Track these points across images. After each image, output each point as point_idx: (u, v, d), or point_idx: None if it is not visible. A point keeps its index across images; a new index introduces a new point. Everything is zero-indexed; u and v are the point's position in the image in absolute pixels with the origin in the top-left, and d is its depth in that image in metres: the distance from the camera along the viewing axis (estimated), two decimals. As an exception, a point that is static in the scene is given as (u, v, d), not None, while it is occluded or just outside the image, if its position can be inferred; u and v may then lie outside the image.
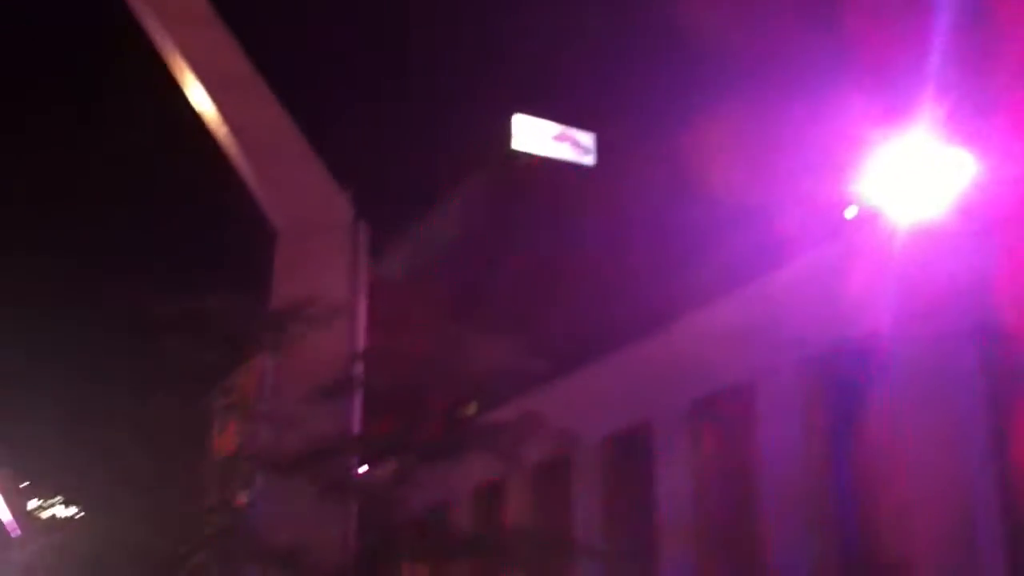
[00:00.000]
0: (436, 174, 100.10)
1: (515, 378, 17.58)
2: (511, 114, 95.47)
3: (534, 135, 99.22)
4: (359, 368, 17.83)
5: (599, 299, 56.50)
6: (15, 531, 46.30)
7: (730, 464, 23.01)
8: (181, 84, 20.06)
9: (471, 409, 28.51)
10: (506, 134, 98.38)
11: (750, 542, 21.70)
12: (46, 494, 47.90)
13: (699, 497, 22.76)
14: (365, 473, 19.10)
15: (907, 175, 18.78)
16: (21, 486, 47.82)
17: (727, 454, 23.12)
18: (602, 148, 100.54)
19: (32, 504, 47.17)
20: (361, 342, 18.97)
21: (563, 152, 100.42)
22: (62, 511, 44.06)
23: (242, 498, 20.37)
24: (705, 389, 22.76)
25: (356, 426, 18.45)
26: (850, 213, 22.00)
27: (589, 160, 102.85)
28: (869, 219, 20.13)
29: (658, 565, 23.50)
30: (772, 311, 21.23)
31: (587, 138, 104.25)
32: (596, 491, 25.65)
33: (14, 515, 46.49)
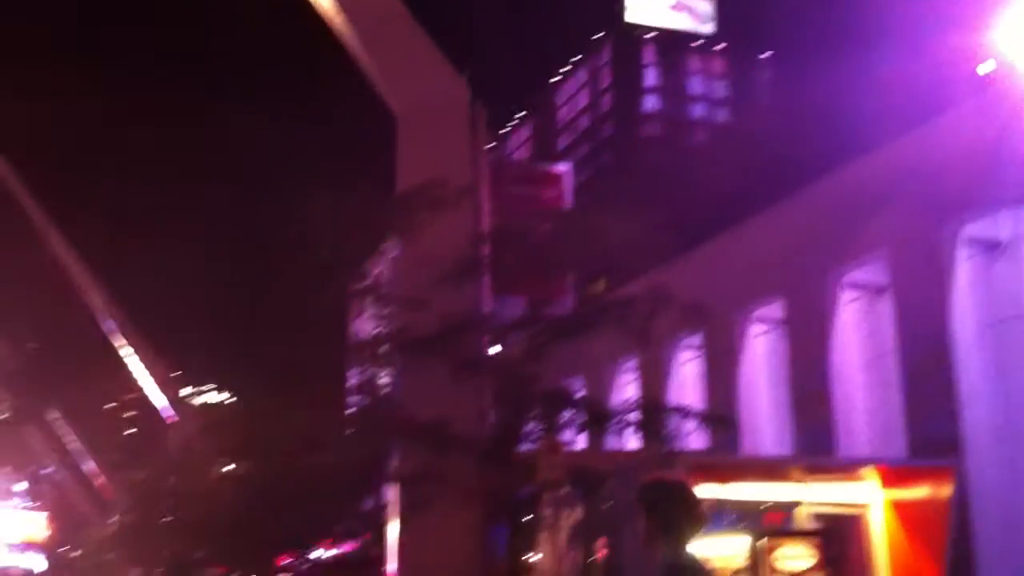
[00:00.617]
0: (552, 52, 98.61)
1: (646, 252, 17.54)
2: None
3: (650, 5, 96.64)
4: (485, 248, 18.07)
5: (729, 170, 55.72)
6: (171, 416, 48.88)
7: (867, 333, 22.74)
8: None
9: (600, 285, 28.64)
10: (621, 5, 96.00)
11: (888, 410, 21.56)
12: (198, 382, 50.24)
13: (835, 368, 22.57)
14: (498, 350, 19.51)
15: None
16: (174, 374, 50.20)
17: (865, 323, 22.83)
18: (723, 15, 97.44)
19: (185, 391, 49.50)
20: (486, 222, 19.19)
21: (681, 22, 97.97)
22: (213, 397, 46.17)
23: (382, 378, 21.05)
24: (842, 257, 22.36)
25: (486, 304, 18.80)
26: (986, 68, 21.06)
27: (708, 29, 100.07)
28: (1006, 74, 19.27)
29: (793, 434, 23.56)
30: (907, 175, 20.65)
31: (706, 5, 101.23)
32: (727, 362, 25.68)
33: (169, 402, 49.01)
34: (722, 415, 18.86)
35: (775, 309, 24.66)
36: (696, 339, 26.52)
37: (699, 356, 27.37)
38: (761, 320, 25.53)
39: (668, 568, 4.82)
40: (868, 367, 22.62)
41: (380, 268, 24.32)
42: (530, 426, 17.66)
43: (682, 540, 4.90)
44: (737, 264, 25.07)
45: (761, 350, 25.64)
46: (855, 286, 22.79)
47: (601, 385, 29.33)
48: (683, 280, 19.88)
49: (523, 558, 19.53)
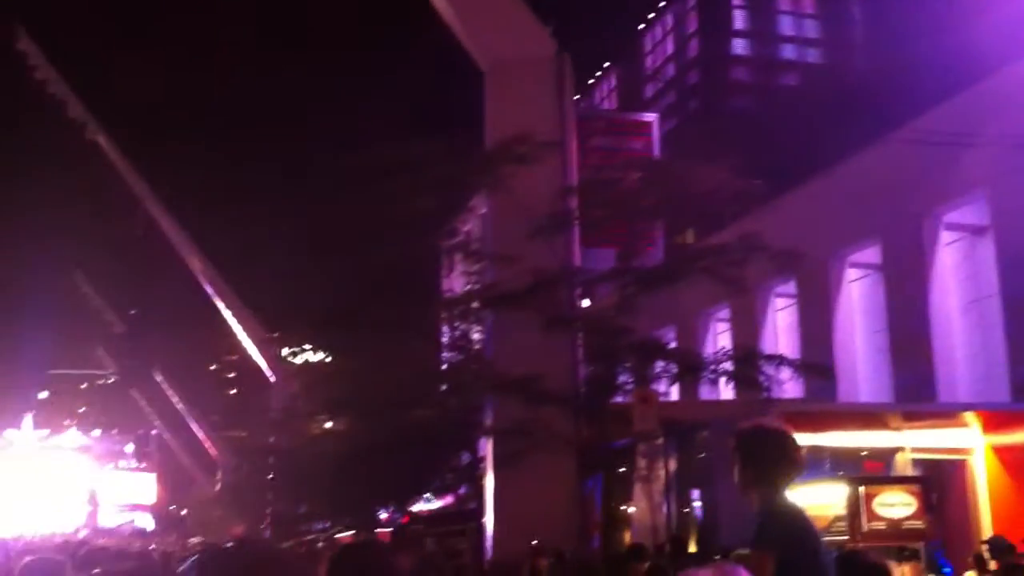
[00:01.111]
0: (635, 3, 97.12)
1: (737, 199, 17.28)
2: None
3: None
4: (574, 201, 18.01)
5: (822, 111, 54.54)
6: (270, 377, 49.91)
7: (967, 275, 22.20)
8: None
9: (691, 234, 28.38)
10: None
11: (989, 353, 21.08)
12: (295, 342, 51.12)
13: (934, 312, 22.09)
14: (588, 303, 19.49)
15: None
16: (272, 336, 51.16)
17: (965, 265, 22.28)
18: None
19: (283, 352, 50.42)
20: (574, 175, 19.11)
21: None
22: (311, 356, 46.95)
23: (474, 334, 21.21)
24: (940, 198, 21.79)
25: (576, 258, 18.77)
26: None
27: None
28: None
29: (891, 381, 23.18)
30: (1007, 110, 20.00)
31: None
32: (822, 309, 25.30)
33: (268, 363, 50.04)
34: (818, 363, 18.62)
35: (871, 254, 24.18)
36: (790, 286, 26.16)
37: (793, 303, 27.02)
38: (857, 265, 25.07)
39: (765, 515, 4.76)
40: (968, 310, 22.11)
41: (470, 224, 24.39)
42: (622, 378, 17.65)
43: (778, 487, 4.84)
44: (831, 208, 24.61)
45: (857, 296, 25.21)
46: (954, 227, 22.22)
47: (694, 335, 29.17)
48: (775, 226, 19.57)
49: (618, 509, 19.62)
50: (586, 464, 18.14)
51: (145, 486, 74.41)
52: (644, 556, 10.76)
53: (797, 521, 4.85)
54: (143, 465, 78.98)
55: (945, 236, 22.29)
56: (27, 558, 5.21)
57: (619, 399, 17.64)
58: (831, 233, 24.29)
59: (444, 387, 23.54)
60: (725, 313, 28.80)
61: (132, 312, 77.18)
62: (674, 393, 21.14)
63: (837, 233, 24.34)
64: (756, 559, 4.51)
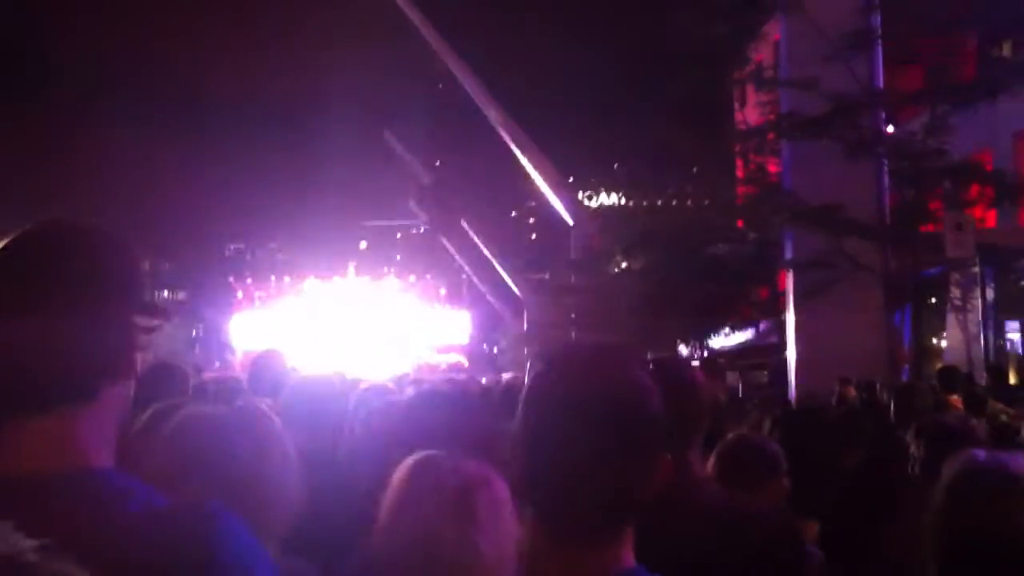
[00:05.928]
0: None
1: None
2: None
3: None
4: (876, 17, 16.96)
5: None
6: (569, 220, 50.86)
7: None
8: None
9: (1006, 46, 26.15)
10: None
11: None
12: (590, 186, 51.78)
13: None
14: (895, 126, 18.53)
15: None
16: (568, 181, 51.94)
17: None
18: None
19: (580, 195, 51.19)
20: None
21: None
22: (606, 199, 47.48)
23: (772, 165, 20.69)
24: None
25: (880, 78, 17.77)
26: None
27: None
28: None
29: None
30: None
31: None
32: None
33: (565, 207, 50.96)
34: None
35: None
36: None
37: None
38: None
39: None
40: None
41: (762, 53, 23.56)
42: (934, 204, 16.81)
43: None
44: None
45: None
46: None
47: (1013, 156, 27.11)
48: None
49: (929, 341, 18.93)
50: (894, 295, 17.51)
51: (459, 326, 78.50)
52: (955, 380, 10.27)
53: None
54: (455, 307, 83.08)
55: None
56: (363, 386, 5.70)
57: (930, 227, 16.80)
58: None
59: (741, 221, 23.27)
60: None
61: (437, 164, 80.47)
62: (991, 219, 19.92)
63: None
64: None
